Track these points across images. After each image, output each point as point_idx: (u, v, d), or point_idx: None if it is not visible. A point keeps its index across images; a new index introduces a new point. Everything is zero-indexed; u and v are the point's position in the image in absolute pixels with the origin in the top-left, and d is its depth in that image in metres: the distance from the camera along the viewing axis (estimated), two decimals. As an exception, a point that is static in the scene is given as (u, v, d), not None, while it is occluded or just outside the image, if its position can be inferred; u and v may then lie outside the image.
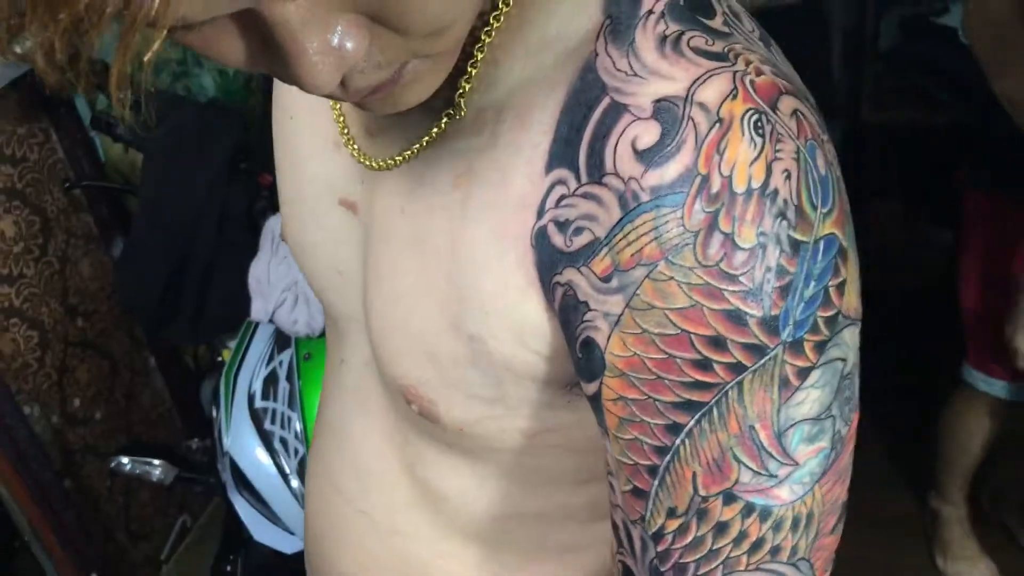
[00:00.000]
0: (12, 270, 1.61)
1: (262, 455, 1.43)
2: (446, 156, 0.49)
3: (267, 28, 0.34)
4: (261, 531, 1.46)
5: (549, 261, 0.44)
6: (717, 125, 0.38)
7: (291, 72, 0.36)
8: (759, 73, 0.40)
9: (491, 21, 0.45)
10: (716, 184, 0.38)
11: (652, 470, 0.42)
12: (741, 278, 0.38)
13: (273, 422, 1.44)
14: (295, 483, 1.42)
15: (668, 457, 0.41)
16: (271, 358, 1.48)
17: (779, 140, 0.38)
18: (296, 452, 1.42)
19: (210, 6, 0.32)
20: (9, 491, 1.58)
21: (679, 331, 0.39)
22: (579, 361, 0.44)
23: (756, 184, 0.38)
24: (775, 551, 0.42)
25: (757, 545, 0.41)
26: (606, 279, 0.41)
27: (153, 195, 1.51)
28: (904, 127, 2.66)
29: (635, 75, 0.40)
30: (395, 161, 0.51)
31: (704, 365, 0.39)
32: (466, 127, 0.48)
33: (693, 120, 0.38)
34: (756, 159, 0.38)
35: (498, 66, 0.46)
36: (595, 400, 0.44)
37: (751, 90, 0.39)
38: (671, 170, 0.38)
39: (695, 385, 0.40)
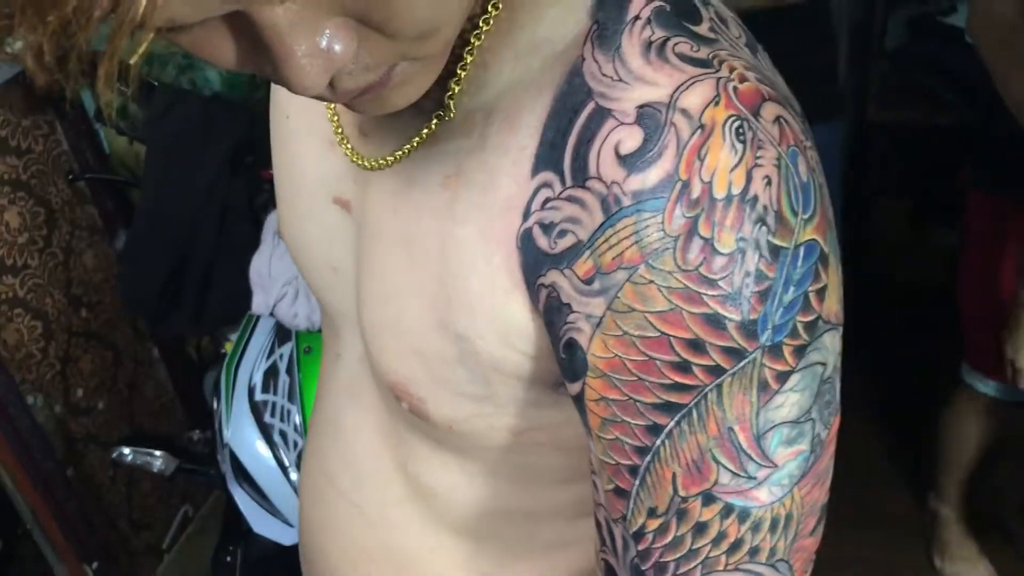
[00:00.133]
0: (16, 261, 1.62)
1: (262, 448, 1.44)
2: (436, 157, 0.49)
3: (256, 30, 0.35)
4: (260, 523, 1.47)
5: (534, 263, 0.44)
6: (699, 131, 0.39)
7: (279, 74, 0.36)
8: (743, 80, 0.40)
9: (480, 24, 0.46)
10: (696, 190, 0.38)
11: (633, 470, 0.43)
12: (720, 282, 0.38)
13: (273, 415, 1.45)
14: (294, 476, 1.43)
15: (648, 457, 0.42)
16: (272, 351, 1.49)
17: (760, 147, 0.39)
18: (295, 445, 1.43)
19: (199, 8, 0.32)
20: (12, 480, 1.60)
21: (659, 334, 0.40)
22: (563, 361, 0.45)
23: (736, 190, 0.38)
24: (754, 552, 0.42)
25: (736, 546, 0.42)
26: (588, 281, 0.41)
27: (155, 188, 1.52)
28: (910, 127, 2.66)
29: (620, 80, 0.41)
30: (387, 161, 0.52)
31: (683, 367, 0.40)
32: (455, 129, 0.48)
33: (675, 126, 0.39)
34: (737, 165, 0.38)
35: (487, 69, 0.47)
36: (578, 400, 0.45)
37: (734, 97, 0.39)
38: (652, 175, 0.39)
39: (675, 387, 0.40)
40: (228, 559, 1.65)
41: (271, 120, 0.66)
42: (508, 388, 0.50)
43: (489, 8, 0.45)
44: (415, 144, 0.50)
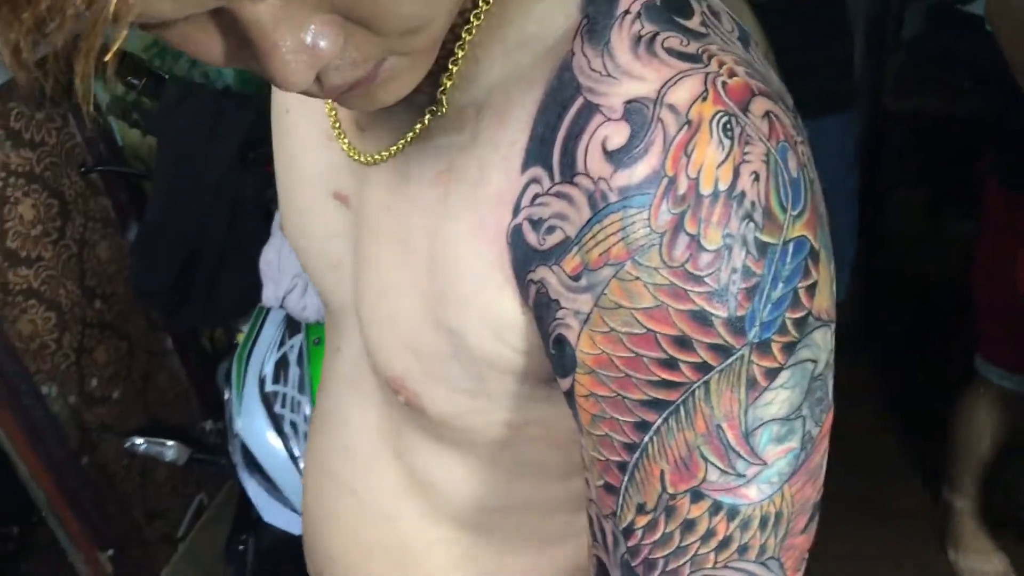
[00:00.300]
0: (30, 253, 1.63)
1: (272, 438, 1.45)
2: (429, 152, 0.49)
3: (241, 26, 0.35)
4: (271, 512, 1.48)
5: (524, 259, 0.44)
6: (685, 127, 0.38)
7: (265, 70, 0.36)
8: (732, 75, 0.40)
9: (471, 19, 0.45)
10: (683, 186, 0.38)
11: (622, 466, 0.43)
12: (706, 279, 0.38)
13: (283, 406, 1.46)
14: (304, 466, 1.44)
15: (637, 454, 0.42)
16: (282, 343, 1.50)
17: (748, 142, 0.38)
18: (306, 436, 1.44)
19: (180, 5, 0.32)
20: (27, 468, 1.62)
21: (645, 330, 0.40)
22: (553, 357, 0.45)
23: (723, 186, 0.38)
24: (743, 549, 0.42)
25: (725, 543, 0.42)
26: (576, 278, 0.41)
27: (166, 181, 1.52)
28: (927, 117, 2.63)
29: (608, 75, 0.41)
30: (382, 156, 0.52)
31: (670, 364, 0.40)
32: (448, 124, 0.48)
33: (662, 122, 0.39)
34: (724, 161, 0.38)
35: (478, 63, 0.47)
36: (569, 396, 0.45)
37: (722, 92, 0.39)
38: (639, 171, 0.39)
39: (662, 384, 0.40)
40: (240, 548, 1.66)
41: (272, 114, 0.66)
42: (501, 383, 0.50)
43: (480, 3, 0.45)
44: (409, 139, 0.50)
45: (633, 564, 0.44)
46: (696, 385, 0.40)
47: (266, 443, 1.45)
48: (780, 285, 0.39)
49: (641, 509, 0.43)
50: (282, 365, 1.48)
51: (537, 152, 0.43)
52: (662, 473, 0.41)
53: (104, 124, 1.77)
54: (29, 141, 1.61)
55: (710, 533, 0.42)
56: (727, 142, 0.38)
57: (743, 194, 0.38)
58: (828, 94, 1.88)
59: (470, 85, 0.47)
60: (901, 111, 2.70)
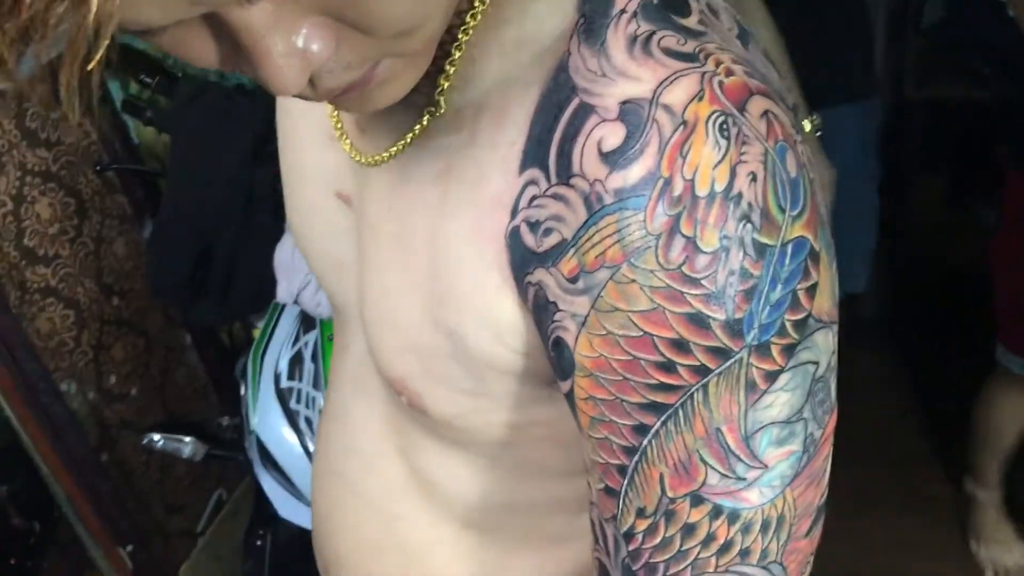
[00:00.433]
0: (48, 251, 1.65)
1: (288, 434, 1.46)
2: (428, 153, 0.49)
3: (231, 31, 0.34)
4: (287, 508, 1.49)
5: (521, 261, 0.44)
6: (681, 127, 0.38)
7: (257, 74, 0.36)
8: (729, 74, 0.39)
9: (467, 19, 0.45)
10: (678, 187, 0.37)
11: (621, 470, 0.42)
12: (703, 281, 0.38)
13: (299, 401, 1.47)
14: (319, 462, 1.44)
15: (636, 457, 0.41)
16: (297, 339, 1.50)
17: (745, 143, 0.38)
18: (320, 432, 1.44)
19: (167, 12, 0.32)
20: (47, 465, 1.63)
21: (642, 333, 0.39)
22: (552, 359, 0.44)
23: (719, 187, 0.37)
24: (745, 554, 0.42)
25: (726, 547, 0.41)
26: (573, 280, 0.41)
27: (180, 178, 1.53)
28: (949, 104, 2.60)
29: (604, 76, 0.40)
30: (383, 157, 0.51)
31: (668, 367, 0.39)
32: (447, 125, 0.48)
33: (657, 122, 0.38)
34: (720, 162, 0.37)
35: (475, 64, 0.46)
36: (569, 398, 0.44)
37: (719, 92, 0.38)
38: (634, 173, 0.38)
39: (660, 387, 0.40)
40: (259, 543, 1.67)
41: (276, 113, 0.66)
42: (502, 384, 0.50)
43: (476, 3, 0.45)
44: (409, 140, 0.49)
45: (634, 568, 0.44)
46: (694, 388, 0.39)
47: (281, 439, 1.46)
48: (779, 287, 0.38)
49: (641, 513, 0.42)
50: (297, 361, 1.49)
51: (534, 153, 0.43)
52: (661, 477, 0.41)
53: (119, 123, 1.78)
54: (45, 140, 1.63)
55: (711, 537, 0.41)
56: (723, 142, 0.37)
57: (740, 195, 0.37)
58: (846, 83, 1.86)
59: (468, 86, 0.47)
60: (922, 99, 2.67)
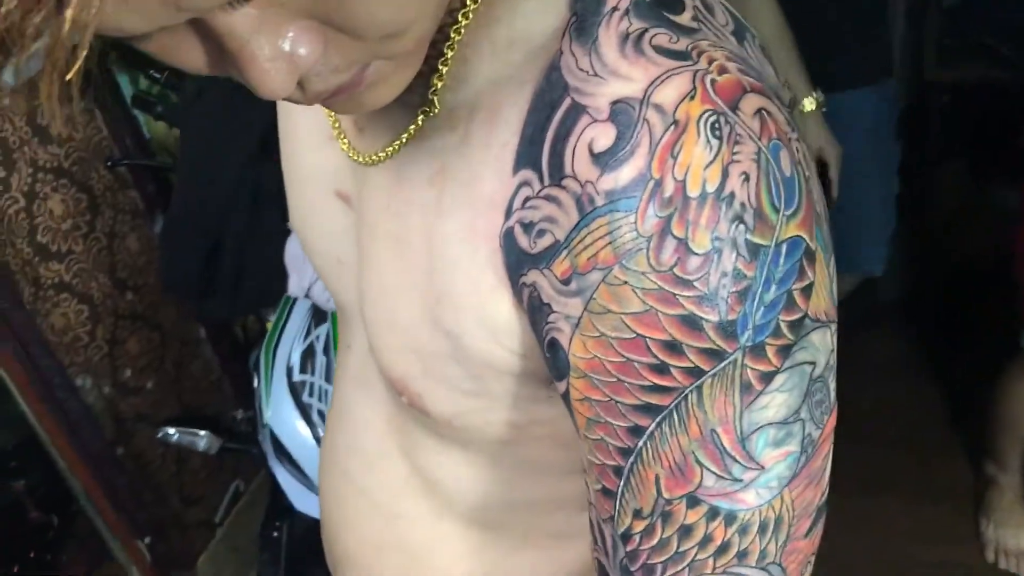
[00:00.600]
0: (61, 247, 1.66)
1: (301, 427, 1.46)
2: (424, 153, 0.49)
3: (217, 36, 0.34)
4: (301, 500, 1.50)
5: (516, 262, 0.44)
6: (672, 127, 0.37)
7: (245, 78, 0.36)
8: (722, 71, 0.38)
9: (459, 18, 0.44)
10: (669, 188, 0.37)
11: (618, 471, 0.42)
12: (696, 283, 0.37)
13: (311, 394, 1.47)
14: (332, 454, 1.44)
15: (632, 459, 0.41)
16: (309, 332, 1.51)
17: (738, 142, 0.37)
18: (333, 425, 1.45)
19: (149, 19, 0.32)
20: (63, 459, 1.65)
21: (635, 335, 0.39)
22: (548, 360, 0.44)
23: (711, 188, 0.37)
24: (742, 555, 0.41)
25: (723, 549, 0.41)
26: (566, 282, 0.40)
27: (189, 172, 1.53)
28: (969, 86, 2.57)
29: (595, 75, 0.40)
30: (380, 157, 0.51)
31: (661, 369, 0.39)
32: (441, 125, 0.47)
33: (648, 123, 0.37)
34: (712, 162, 0.37)
35: (467, 63, 0.46)
36: (565, 399, 0.44)
37: (711, 90, 0.38)
38: (625, 174, 0.38)
39: (654, 389, 0.39)
40: (275, 535, 1.68)
41: (278, 111, 0.66)
42: (501, 384, 0.50)
43: (468, 2, 0.44)
44: (404, 140, 0.49)
45: (632, 569, 0.43)
46: (688, 390, 0.39)
47: (295, 432, 1.46)
48: (773, 287, 0.38)
49: (638, 514, 0.42)
50: (309, 354, 1.49)
51: (527, 154, 0.42)
52: (657, 478, 0.41)
53: (130, 118, 1.79)
54: (56, 137, 1.63)
55: (707, 539, 0.41)
56: (715, 142, 0.37)
57: (732, 195, 0.37)
58: (860, 66, 1.83)
59: (461, 85, 0.46)
60: (942, 81, 2.63)
